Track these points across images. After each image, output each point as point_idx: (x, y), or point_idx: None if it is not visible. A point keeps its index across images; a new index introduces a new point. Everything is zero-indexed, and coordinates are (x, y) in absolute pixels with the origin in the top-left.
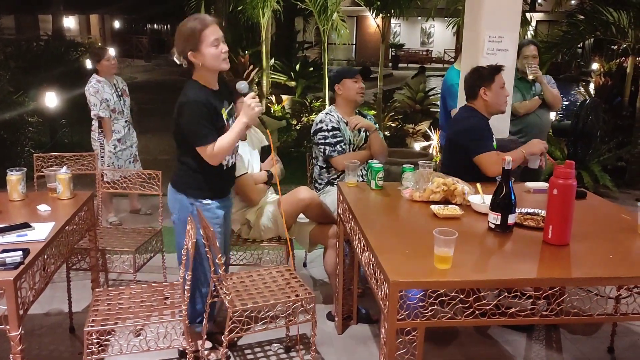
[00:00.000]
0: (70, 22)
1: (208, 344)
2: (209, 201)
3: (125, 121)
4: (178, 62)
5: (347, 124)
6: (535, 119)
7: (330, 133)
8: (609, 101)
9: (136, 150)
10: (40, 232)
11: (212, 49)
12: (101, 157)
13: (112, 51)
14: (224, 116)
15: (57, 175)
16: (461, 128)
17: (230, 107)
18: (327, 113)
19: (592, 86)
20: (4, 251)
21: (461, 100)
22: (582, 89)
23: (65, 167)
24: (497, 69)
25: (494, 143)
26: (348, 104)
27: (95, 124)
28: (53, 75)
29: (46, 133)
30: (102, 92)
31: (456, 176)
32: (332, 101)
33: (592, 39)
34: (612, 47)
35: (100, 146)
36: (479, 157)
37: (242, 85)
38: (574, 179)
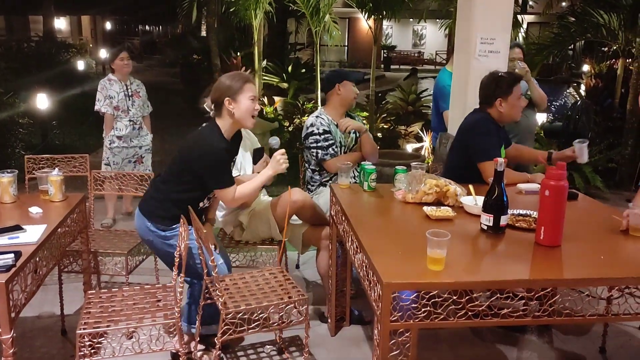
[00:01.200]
0: (61, 24)
1: (201, 346)
2: (176, 225)
3: (130, 121)
4: (207, 109)
5: (337, 126)
6: (523, 119)
7: (322, 136)
8: (599, 103)
9: (145, 152)
10: (32, 234)
11: (249, 102)
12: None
13: (125, 52)
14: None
15: (49, 177)
16: (471, 131)
17: (234, 160)
18: (317, 116)
19: (582, 88)
20: None
21: (453, 102)
22: (572, 91)
23: (57, 169)
24: (516, 80)
25: (503, 151)
26: (343, 106)
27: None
28: (44, 77)
29: (37, 135)
30: (108, 89)
31: (461, 177)
32: (324, 102)
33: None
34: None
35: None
36: (484, 164)
37: (274, 141)
38: (565, 180)
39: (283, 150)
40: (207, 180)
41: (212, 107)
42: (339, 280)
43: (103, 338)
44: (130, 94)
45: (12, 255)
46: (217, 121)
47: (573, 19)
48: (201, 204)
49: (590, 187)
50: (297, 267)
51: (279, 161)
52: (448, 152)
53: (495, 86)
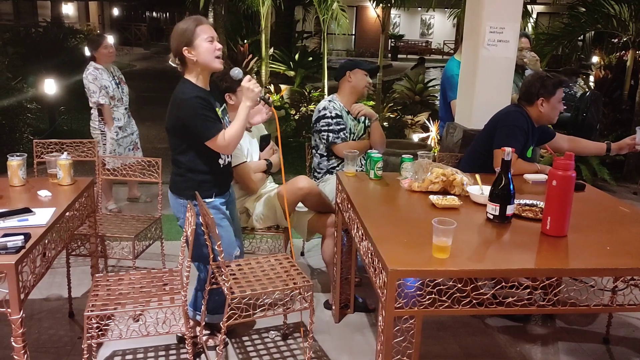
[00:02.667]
0: (68, 9)
1: (206, 330)
2: (210, 200)
3: (125, 109)
4: (174, 64)
5: (348, 112)
6: None
7: (334, 120)
8: (608, 94)
9: (137, 138)
10: (41, 217)
11: (207, 44)
12: (103, 144)
13: (110, 39)
14: (219, 114)
15: (58, 161)
16: (501, 120)
17: (223, 107)
18: (329, 101)
19: (592, 79)
20: (5, 235)
21: (461, 92)
22: (582, 82)
23: (65, 153)
24: (560, 82)
25: (529, 151)
26: (353, 94)
27: (94, 112)
28: (52, 62)
29: (45, 120)
30: (100, 79)
31: (482, 165)
32: (332, 91)
33: (593, 32)
34: (613, 40)
35: (102, 133)
36: (497, 152)
37: (235, 71)
38: (573, 170)
39: (249, 77)
40: (193, 131)
41: (177, 61)
42: (344, 268)
43: (110, 320)
44: (118, 81)
45: (21, 237)
46: (185, 76)
47: (583, 10)
48: (221, 161)
49: (597, 179)
50: (302, 254)
51: (249, 88)
52: (475, 138)
53: (541, 85)
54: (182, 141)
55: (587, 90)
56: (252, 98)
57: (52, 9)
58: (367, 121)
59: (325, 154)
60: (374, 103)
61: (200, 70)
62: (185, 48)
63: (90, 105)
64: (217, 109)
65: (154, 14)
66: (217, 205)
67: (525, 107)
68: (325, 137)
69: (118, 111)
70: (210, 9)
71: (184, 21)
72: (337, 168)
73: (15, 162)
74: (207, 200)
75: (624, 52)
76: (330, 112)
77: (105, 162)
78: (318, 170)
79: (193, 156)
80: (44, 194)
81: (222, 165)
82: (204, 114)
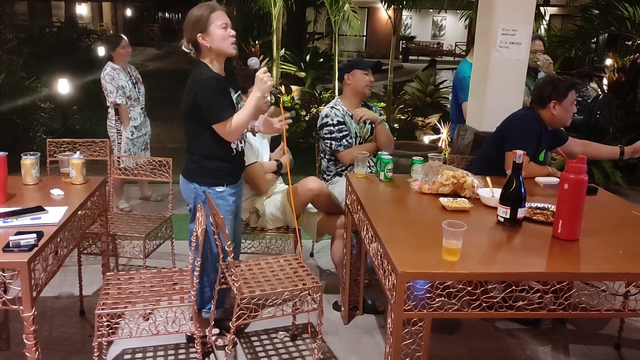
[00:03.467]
0: (82, 10)
1: (215, 330)
2: (221, 188)
3: (141, 108)
4: (187, 50)
5: (352, 116)
6: None
7: (336, 127)
8: (622, 97)
9: (148, 138)
10: (54, 215)
11: (221, 31)
12: (118, 143)
13: (127, 39)
14: (234, 100)
15: (70, 160)
16: (512, 123)
17: (238, 93)
18: (332, 107)
19: (605, 82)
20: (19, 233)
21: (472, 94)
22: (594, 85)
23: (78, 152)
24: (572, 85)
25: (541, 155)
26: (355, 96)
27: (111, 111)
28: (65, 62)
29: (58, 119)
30: (117, 79)
31: (492, 167)
32: (341, 92)
33: (607, 34)
34: (627, 42)
35: (118, 132)
36: (509, 154)
37: (252, 61)
38: (585, 174)
39: (264, 69)
40: (204, 113)
41: (190, 47)
42: (353, 269)
43: (120, 319)
44: (134, 81)
45: (34, 235)
46: (201, 60)
47: (597, 12)
48: (233, 146)
49: (609, 182)
50: (312, 255)
51: (263, 79)
52: (486, 141)
53: (553, 88)
54: (197, 125)
55: (600, 93)
56: (263, 90)
57: (66, 9)
58: (372, 124)
59: (332, 158)
60: (384, 105)
61: (214, 56)
62: (199, 35)
63: (108, 104)
64: (231, 94)
65: (166, 14)
66: (225, 197)
67: (538, 110)
68: (328, 144)
69: (134, 111)
70: None
71: (198, 7)
72: (345, 172)
73: (28, 161)
74: (218, 189)
75: (637, 54)
76: (332, 120)
77: (120, 160)
78: (327, 173)
79: (207, 141)
80: (56, 192)
81: (234, 152)
82: (217, 96)
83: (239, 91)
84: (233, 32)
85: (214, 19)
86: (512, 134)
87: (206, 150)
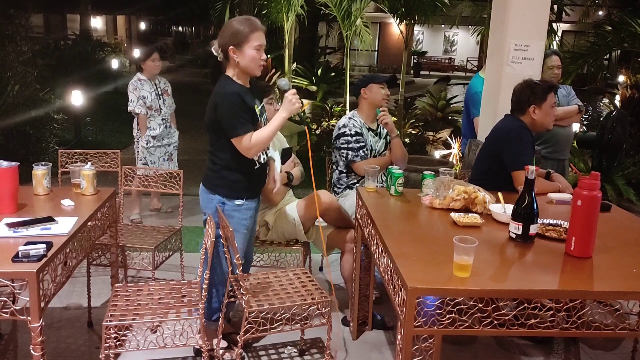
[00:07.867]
0: (97, 23)
1: (223, 344)
2: (240, 202)
3: (162, 119)
4: (215, 53)
5: (369, 129)
6: (559, 129)
7: (354, 138)
8: (635, 114)
9: (173, 149)
10: (64, 226)
11: (254, 52)
12: (136, 151)
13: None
14: (257, 112)
15: (81, 171)
16: (505, 139)
17: (261, 106)
18: (350, 118)
19: (618, 98)
20: (28, 243)
21: (484, 109)
22: (607, 101)
23: (89, 163)
24: (551, 87)
25: (533, 161)
26: (372, 109)
27: (135, 120)
28: (79, 74)
29: (71, 130)
30: (140, 90)
31: (490, 184)
32: (353, 106)
33: (619, 51)
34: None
35: (136, 141)
36: (517, 173)
37: (283, 82)
38: (599, 190)
39: (294, 90)
40: (224, 127)
41: (220, 52)
42: (363, 284)
43: (128, 331)
44: (160, 92)
45: (43, 245)
46: (226, 72)
47: (610, 28)
48: (256, 158)
49: (622, 199)
50: (321, 269)
51: (291, 101)
52: (476, 158)
53: (530, 92)
54: (219, 137)
55: (613, 109)
56: (291, 111)
57: (81, 22)
58: (388, 137)
59: (345, 170)
60: (395, 119)
61: (240, 70)
62: (232, 47)
63: (129, 112)
64: (255, 106)
65: (180, 28)
66: (243, 210)
67: (519, 117)
68: (344, 154)
69: (154, 121)
70: None
71: (240, 21)
72: (357, 184)
73: (40, 172)
74: (237, 202)
75: None
76: (350, 130)
77: (136, 170)
78: (338, 186)
79: (229, 153)
80: (67, 203)
81: (257, 165)
82: (237, 111)
83: (262, 102)
84: (264, 56)
85: (252, 39)
86: (509, 154)
87: (228, 161)
